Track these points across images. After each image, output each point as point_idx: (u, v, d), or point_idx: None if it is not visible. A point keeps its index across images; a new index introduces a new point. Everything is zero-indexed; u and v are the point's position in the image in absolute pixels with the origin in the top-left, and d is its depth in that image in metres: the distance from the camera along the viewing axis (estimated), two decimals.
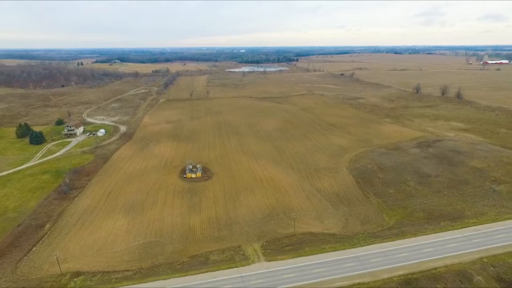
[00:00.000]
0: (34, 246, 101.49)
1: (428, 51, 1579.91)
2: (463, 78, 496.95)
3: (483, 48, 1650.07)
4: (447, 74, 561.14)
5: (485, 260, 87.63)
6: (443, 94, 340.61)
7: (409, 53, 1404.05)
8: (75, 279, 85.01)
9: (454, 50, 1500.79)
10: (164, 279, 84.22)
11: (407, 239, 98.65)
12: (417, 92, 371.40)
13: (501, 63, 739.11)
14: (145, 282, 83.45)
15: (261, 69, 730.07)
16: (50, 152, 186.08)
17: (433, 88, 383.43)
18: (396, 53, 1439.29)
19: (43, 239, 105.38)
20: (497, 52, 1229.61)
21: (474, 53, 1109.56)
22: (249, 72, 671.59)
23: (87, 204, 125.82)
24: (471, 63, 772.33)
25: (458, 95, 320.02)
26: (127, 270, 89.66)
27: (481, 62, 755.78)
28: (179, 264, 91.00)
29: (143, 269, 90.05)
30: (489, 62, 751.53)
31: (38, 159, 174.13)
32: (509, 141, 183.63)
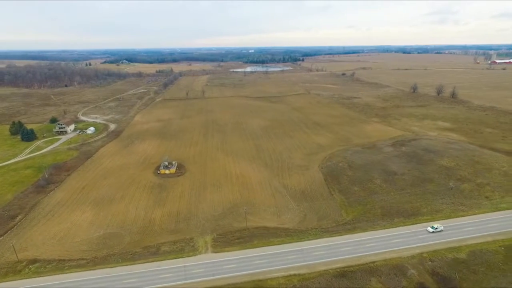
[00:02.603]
0: (2, 236, 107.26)
1: (441, 50, 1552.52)
2: (465, 77, 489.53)
3: (497, 47, 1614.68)
4: (450, 73, 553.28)
5: (424, 255, 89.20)
6: (438, 94, 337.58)
7: (418, 53, 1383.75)
8: (30, 266, 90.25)
9: (466, 49, 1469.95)
10: (112, 267, 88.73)
11: (355, 234, 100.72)
12: (414, 91, 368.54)
13: (509, 62, 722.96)
14: (93, 269, 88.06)
15: (264, 69, 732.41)
16: (38, 148, 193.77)
17: (431, 88, 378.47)
18: (404, 52, 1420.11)
19: (13, 229, 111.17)
20: (510, 51, 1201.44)
21: (484, 52, 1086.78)
22: (251, 72, 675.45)
23: (60, 198, 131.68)
24: (478, 62, 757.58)
25: (453, 95, 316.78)
26: (82, 259, 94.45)
27: (489, 62, 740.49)
28: (131, 254, 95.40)
29: (97, 258, 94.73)
30: (497, 61, 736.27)
31: (26, 155, 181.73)
32: (490, 140, 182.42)
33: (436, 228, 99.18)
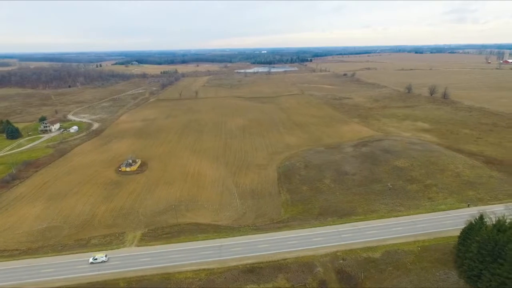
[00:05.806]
0: None
1: (458, 49, 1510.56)
2: (468, 77, 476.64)
3: None
4: (454, 73, 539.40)
5: (339, 253, 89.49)
6: (431, 94, 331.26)
7: (431, 52, 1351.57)
8: None
9: (481, 49, 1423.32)
10: (36, 257, 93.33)
11: (280, 232, 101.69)
12: (409, 92, 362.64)
13: None
14: (19, 259, 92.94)
15: (266, 70, 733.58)
16: (19, 146, 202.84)
17: (429, 88, 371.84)
18: (418, 52, 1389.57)
19: None
20: None
21: (499, 51, 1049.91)
22: (254, 73, 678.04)
23: (20, 192, 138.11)
24: (489, 62, 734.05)
25: (444, 95, 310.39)
26: (17, 250, 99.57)
27: (501, 61, 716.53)
28: (61, 246, 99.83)
29: (30, 249, 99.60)
30: (509, 60, 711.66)
31: (5, 152, 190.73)
32: (461, 142, 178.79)
33: (96, 259, 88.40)
